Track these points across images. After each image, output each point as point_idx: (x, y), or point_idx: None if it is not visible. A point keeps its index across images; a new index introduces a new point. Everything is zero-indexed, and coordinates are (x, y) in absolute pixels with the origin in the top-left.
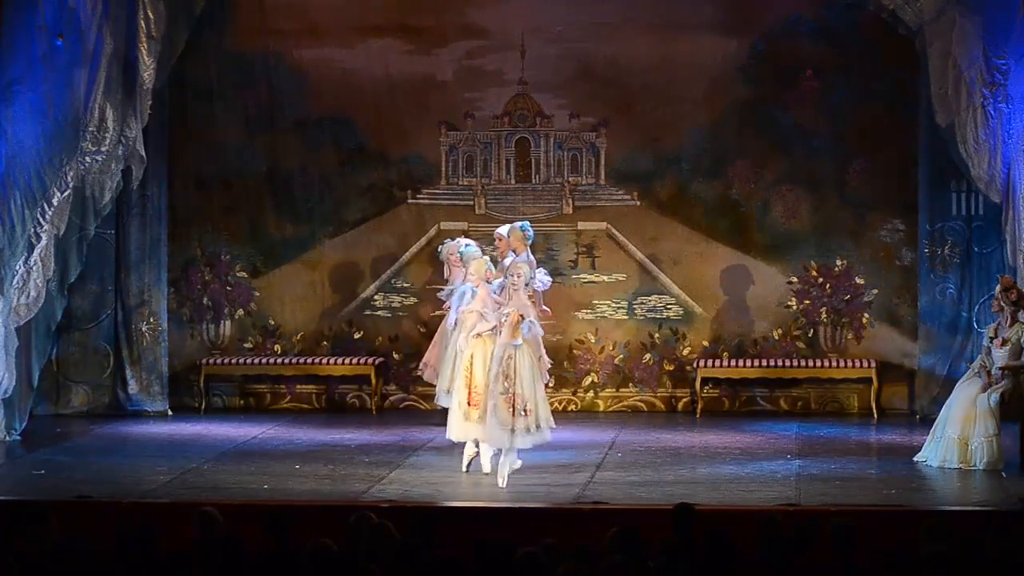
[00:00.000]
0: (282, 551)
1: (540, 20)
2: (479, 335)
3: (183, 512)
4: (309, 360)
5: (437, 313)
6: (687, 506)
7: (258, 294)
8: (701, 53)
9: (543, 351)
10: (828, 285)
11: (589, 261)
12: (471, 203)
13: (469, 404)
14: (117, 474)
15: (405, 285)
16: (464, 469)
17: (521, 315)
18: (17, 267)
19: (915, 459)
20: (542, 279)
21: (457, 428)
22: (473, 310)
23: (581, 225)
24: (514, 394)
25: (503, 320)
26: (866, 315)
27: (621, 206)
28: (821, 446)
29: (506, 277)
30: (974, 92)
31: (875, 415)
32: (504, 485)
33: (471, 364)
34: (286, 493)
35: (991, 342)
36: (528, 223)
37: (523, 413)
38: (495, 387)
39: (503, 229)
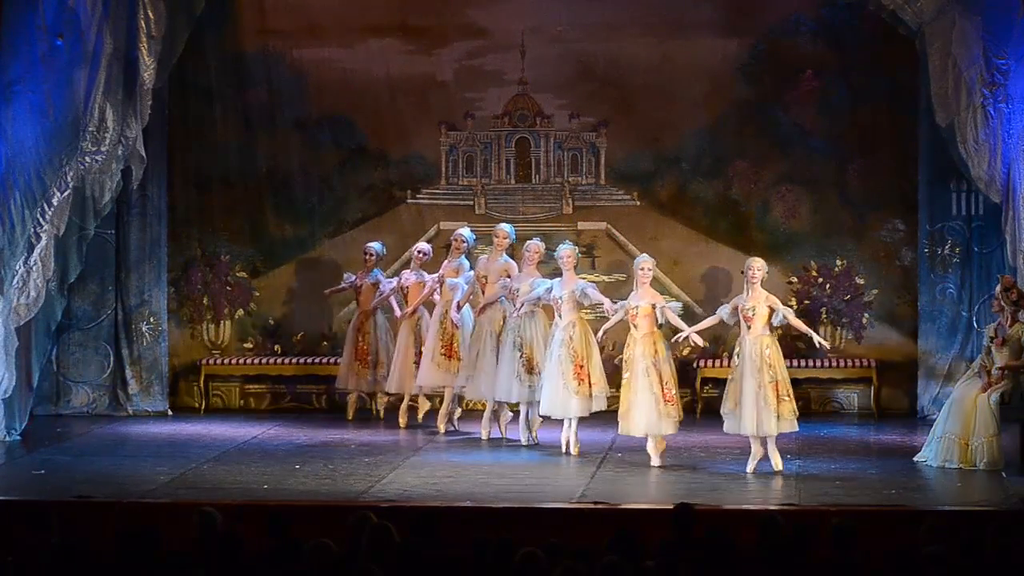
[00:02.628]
0: (282, 551)
1: (540, 20)
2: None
3: (183, 512)
4: (309, 360)
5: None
6: (687, 506)
7: (258, 294)
8: (701, 53)
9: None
10: (828, 285)
11: (589, 261)
12: (471, 203)
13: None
14: (117, 474)
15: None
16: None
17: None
18: (17, 267)
19: (915, 459)
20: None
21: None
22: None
23: (581, 225)
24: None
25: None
26: (866, 315)
27: (621, 206)
28: (821, 446)
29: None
30: (974, 92)
31: (875, 415)
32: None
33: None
34: (286, 493)
35: (991, 342)
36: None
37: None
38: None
39: (466, 231)
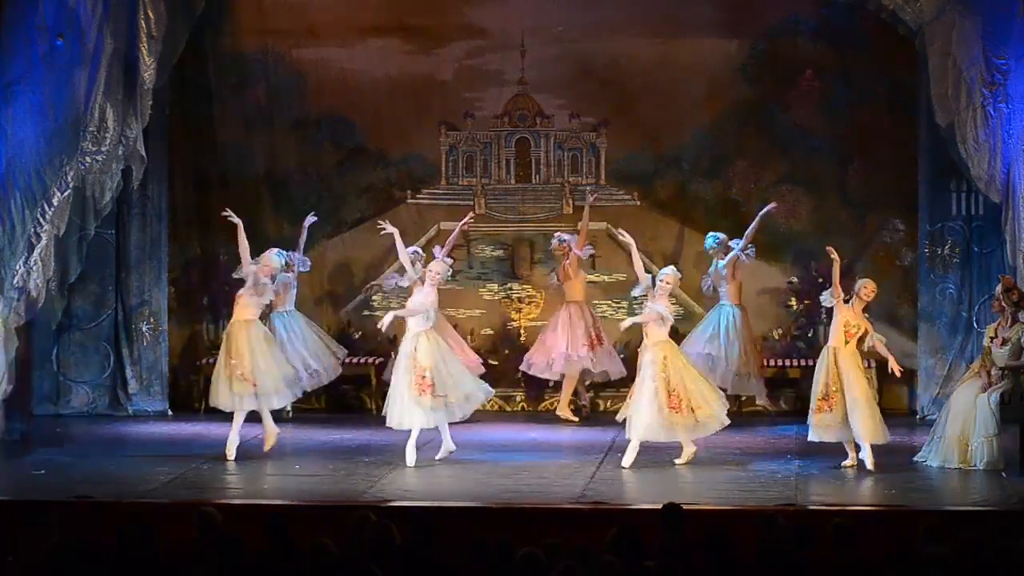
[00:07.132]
0: (282, 551)
1: (540, 20)
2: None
3: (183, 512)
4: None
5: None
6: (675, 506)
7: None
8: (701, 53)
9: None
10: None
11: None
12: (471, 203)
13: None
14: (117, 474)
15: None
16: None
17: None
18: (17, 267)
19: (915, 459)
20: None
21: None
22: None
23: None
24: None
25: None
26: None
27: (621, 206)
28: (821, 446)
29: None
30: (974, 92)
31: None
32: None
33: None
34: (286, 493)
35: (991, 342)
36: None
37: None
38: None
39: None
